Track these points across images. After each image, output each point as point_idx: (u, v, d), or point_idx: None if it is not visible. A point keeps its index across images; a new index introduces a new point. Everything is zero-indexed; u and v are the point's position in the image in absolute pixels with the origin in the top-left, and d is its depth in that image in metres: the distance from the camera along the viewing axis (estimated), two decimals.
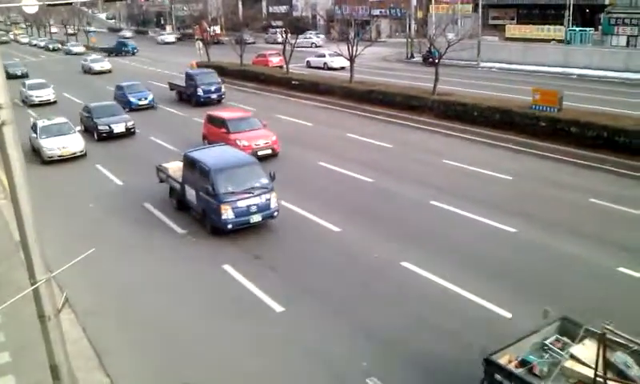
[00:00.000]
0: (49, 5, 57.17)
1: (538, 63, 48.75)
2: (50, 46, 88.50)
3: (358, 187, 21.15)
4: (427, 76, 39.73)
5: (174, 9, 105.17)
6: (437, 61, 32.76)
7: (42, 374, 8.20)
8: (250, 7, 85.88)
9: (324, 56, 53.47)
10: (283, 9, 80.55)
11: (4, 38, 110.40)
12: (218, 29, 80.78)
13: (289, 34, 47.60)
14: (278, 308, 13.24)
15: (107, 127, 30.26)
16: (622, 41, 51.75)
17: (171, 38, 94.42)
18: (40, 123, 27.93)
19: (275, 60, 50.47)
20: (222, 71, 49.43)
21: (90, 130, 30.91)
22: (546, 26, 57.93)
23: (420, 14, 64.52)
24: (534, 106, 27.00)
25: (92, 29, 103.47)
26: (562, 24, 56.12)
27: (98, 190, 22.29)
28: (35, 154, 27.29)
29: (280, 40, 44.98)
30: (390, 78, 43.46)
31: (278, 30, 47.87)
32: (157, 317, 13.26)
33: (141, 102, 37.23)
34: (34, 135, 27.36)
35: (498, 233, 16.70)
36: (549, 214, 17.90)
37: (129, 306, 13.87)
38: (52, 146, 26.36)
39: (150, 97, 37.90)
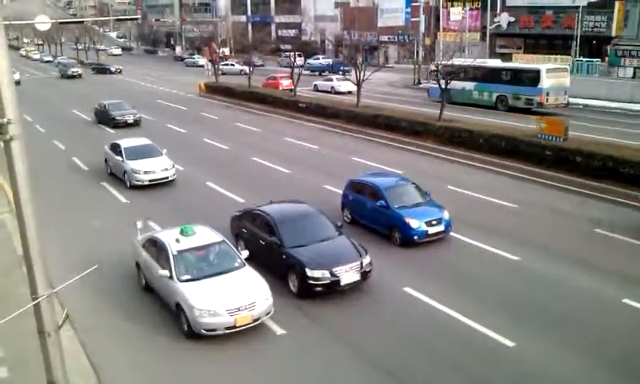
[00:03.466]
0: (61, 23, 57.92)
1: None
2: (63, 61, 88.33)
3: None
4: (433, 102, 39.93)
5: (185, 30, 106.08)
6: (444, 88, 32.88)
7: None
8: (260, 30, 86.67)
9: (331, 80, 53.82)
10: (292, 32, 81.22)
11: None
12: (227, 50, 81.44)
13: (298, 57, 48.02)
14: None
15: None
16: (629, 72, 51.85)
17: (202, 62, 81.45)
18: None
19: (285, 83, 50.78)
20: (231, 93, 49.92)
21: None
22: (553, 56, 58.17)
23: (428, 41, 64.90)
24: (539, 135, 27.03)
25: (102, 47, 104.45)
26: (569, 54, 56.38)
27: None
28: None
29: (297, 63, 45.29)
30: (397, 103, 43.66)
31: (290, 53, 48.16)
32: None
33: None
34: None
35: (502, 260, 16.63)
36: (553, 243, 17.84)
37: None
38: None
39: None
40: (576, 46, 55.80)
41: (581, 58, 54.37)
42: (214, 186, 24.54)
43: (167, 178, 24.49)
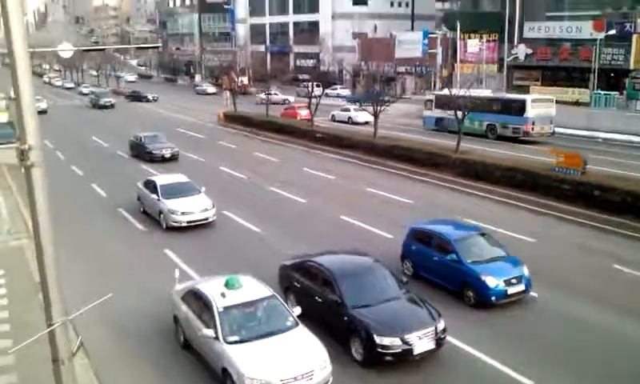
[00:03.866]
0: (84, 50, 59.03)
1: (562, 125, 48.65)
2: (85, 91, 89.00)
3: (379, 243, 21.04)
4: (450, 134, 39.91)
5: (204, 58, 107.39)
6: (461, 119, 32.87)
7: None
8: (278, 60, 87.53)
9: (349, 110, 54.03)
10: (310, 62, 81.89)
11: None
12: (245, 80, 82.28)
13: (317, 88, 48.38)
14: None
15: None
16: None
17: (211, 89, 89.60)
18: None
19: (304, 112, 51.06)
20: (249, 122, 50.28)
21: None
22: (571, 89, 58.11)
23: (445, 73, 65.13)
24: (556, 168, 26.85)
25: (122, 74, 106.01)
26: (586, 87, 56.28)
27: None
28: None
29: (315, 93, 45.67)
30: (414, 134, 43.69)
31: (309, 83, 48.54)
32: None
33: None
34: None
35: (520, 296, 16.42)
36: (571, 279, 17.63)
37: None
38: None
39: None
40: (594, 79, 55.69)
41: (599, 91, 54.23)
42: (230, 214, 24.60)
43: (207, 218, 22.66)
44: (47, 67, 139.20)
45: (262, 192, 28.71)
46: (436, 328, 12.91)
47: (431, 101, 46.35)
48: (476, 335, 14.20)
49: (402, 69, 72.96)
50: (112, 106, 69.67)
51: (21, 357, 11.89)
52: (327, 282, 14.04)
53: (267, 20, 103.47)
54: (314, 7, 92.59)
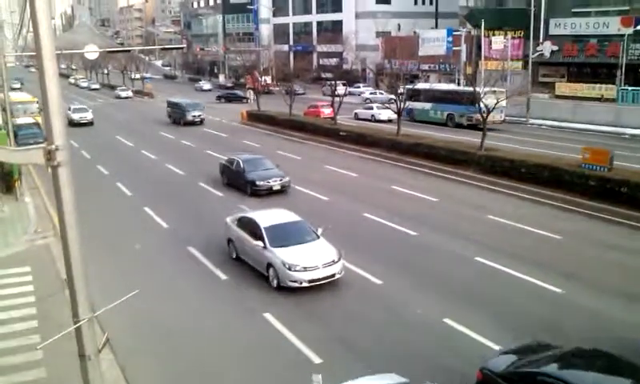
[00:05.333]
0: (109, 52, 59.86)
1: (588, 121, 48.13)
2: (123, 95, 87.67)
3: (402, 240, 21.04)
4: (474, 131, 39.64)
5: (228, 58, 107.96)
6: (485, 117, 32.64)
7: None
8: (301, 59, 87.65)
9: (372, 108, 53.96)
10: (333, 61, 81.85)
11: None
12: (269, 79, 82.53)
13: (342, 86, 48.56)
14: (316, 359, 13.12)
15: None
16: None
17: (207, 85, 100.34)
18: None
19: (327, 111, 51.13)
20: (272, 120, 50.52)
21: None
22: (597, 85, 57.31)
23: (469, 70, 64.60)
24: (583, 165, 26.54)
25: (148, 75, 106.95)
26: (613, 83, 55.45)
27: None
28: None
29: (339, 92, 45.78)
30: (437, 131, 43.49)
31: (334, 82, 48.74)
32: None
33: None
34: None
35: (544, 293, 16.31)
36: (597, 276, 17.45)
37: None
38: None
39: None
40: (621, 75, 54.83)
41: (626, 87, 53.41)
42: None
43: (333, 275, 16.93)
44: (74, 68, 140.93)
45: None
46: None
47: (402, 94, 48.85)
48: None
49: (425, 67, 72.53)
50: (201, 121, 54.74)
51: (49, 352, 12.13)
52: None
53: (291, 20, 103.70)
54: (337, 6, 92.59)
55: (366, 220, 23.39)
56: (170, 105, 58.41)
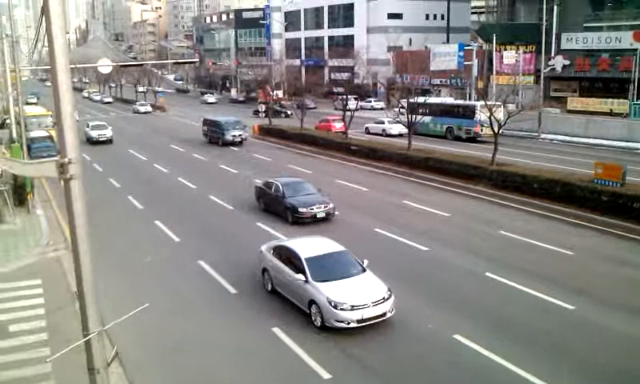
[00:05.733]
0: (122, 66, 60.20)
1: (600, 136, 47.92)
2: (142, 110, 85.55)
3: (413, 255, 20.97)
4: (485, 146, 39.55)
5: (240, 73, 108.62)
6: (497, 131, 32.56)
7: None
8: (313, 73, 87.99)
9: (383, 123, 53.99)
10: (345, 75, 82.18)
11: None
12: (280, 93, 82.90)
13: (354, 100, 48.74)
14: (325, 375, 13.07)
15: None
16: None
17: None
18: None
19: (338, 125, 51.31)
20: (283, 135, 50.65)
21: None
22: (610, 100, 57.09)
23: (480, 84, 64.59)
24: (595, 180, 26.37)
25: (160, 89, 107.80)
26: (626, 98, 55.22)
27: None
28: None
29: (350, 107, 46.03)
30: (448, 146, 43.42)
31: (346, 96, 49.05)
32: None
33: None
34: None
35: (556, 309, 16.16)
36: (609, 292, 17.28)
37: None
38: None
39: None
40: (633, 90, 54.60)
41: (638, 102, 53.16)
42: (262, 225, 24.80)
43: (384, 314, 15.16)
44: (87, 81, 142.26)
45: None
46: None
47: (404, 107, 49.55)
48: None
49: (437, 81, 72.62)
50: (241, 141, 50.26)
51: (58, 365, 12.16)
52: None
53: (302, 34, 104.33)
54: (349, 21, 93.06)
55: (378, 235, 23.34)
56: (207, 123, 52.95)
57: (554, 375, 12.73)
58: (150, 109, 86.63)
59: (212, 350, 14.36)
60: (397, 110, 48.36)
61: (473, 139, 47.97)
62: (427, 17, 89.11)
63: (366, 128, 54.37)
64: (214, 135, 50.64)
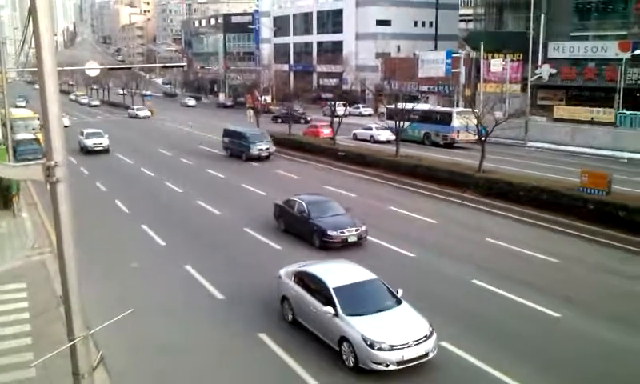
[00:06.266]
0: (110, 69, 60.04)
1: (586, 145, 48.33)
2: (141, 114, 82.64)
3: (399, 262, 20.98)
4: (473, 153, 39.74)
5: (228, 77, 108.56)
6: (483, 138, 32.73)
7: None
8: (301, 79, 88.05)
9: (371, 129, 54.10)
10: (333, 81, 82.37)
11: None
12: (269, 98, 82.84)
13: (343, 107, 48.97)
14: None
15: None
16: None
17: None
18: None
19: (326, 131, 51.35)
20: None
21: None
22: (596, 109, 57.58)
23: (468, 92, 64.93)
24: (581, 188, 26.57)
25: (148, 93, 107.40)
26: (611, 107, 55.73)
27: None
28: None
29: (339, 113, 46.09)
30: (436, 153, 43.60)
31: (334, 103, 49.13)
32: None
33: None
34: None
35: (541, 317, 16.24)
36: (594, 300, 17.40)
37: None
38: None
39: None
40: (619, 99, 55.13)
41: (624, 111, 53.68)
42: (250, 231, 24.73)
43: (427, 354, 13.37)
44: (71, 83, 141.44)
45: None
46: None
47: (384, 113, 52.18)
48: None
49: (424, 88, 72.95)
50: (268, 156, 44.29)
51: (42, 370, 12.04)
52: None
53: (291, 40, 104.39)
54: (338, 27, 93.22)
55: (365, 242, 23.34)
56: (228, 134, 46.83)
57: (538, 382, 12.77)
58: (149, 113, 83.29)
59: (197, 356, 14.28)
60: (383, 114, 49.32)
61: (450, 145, 49.33)
62: (416, 24, 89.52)
63: (354, 134, 54.43)
64: (237, 148, 44.85)
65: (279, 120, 69.62)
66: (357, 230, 22.45)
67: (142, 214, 27.90)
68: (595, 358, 14.01)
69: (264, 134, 46.16)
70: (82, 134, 49.91)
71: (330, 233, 21.92)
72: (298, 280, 15.69)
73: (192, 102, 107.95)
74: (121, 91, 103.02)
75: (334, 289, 14.27)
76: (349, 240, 22.12)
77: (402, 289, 15.02)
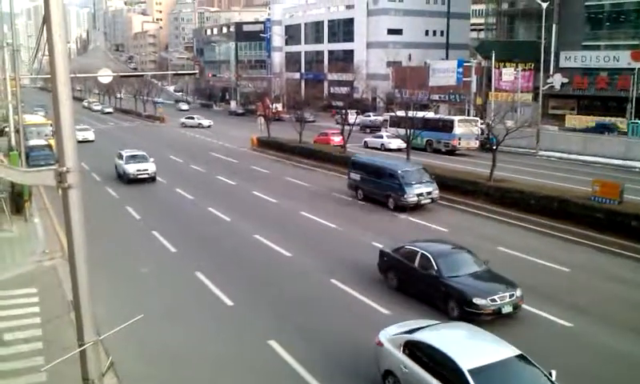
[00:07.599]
0: (122, 76, 60.33)
1: (598, 154, 48.08)
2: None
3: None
4: (484, 162, 39.65)
5: (240, 85, 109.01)
6: (495, 147, 32.64)
7: None
8: (312, 87, 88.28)
9: (381, 137, 54.11)
10: (344, 90, 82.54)
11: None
12: (279, 106, 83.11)
13: (357, 115, 49.38)
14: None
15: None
16: None
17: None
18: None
19: (337, 139, 51.38)
20: (282, 147, 50.70)
21: None
22: (607, 118, 57.34)
23: (479, 101, 64.86)
24: (593, 197, 26.42)
25: (160, 100, 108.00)
26: (623, 116, 55.47)
27: None
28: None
29: (350, 121, 46.18)
30: (446, 161, 43.52)
31: (345, 111, 49.33)
32: None
33: None
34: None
35: (553, 326, 16.14)
36: (606, 310, 17.28)
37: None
38: None
39: None
40: (631, 108, 54.86)
41: (637, 121, 53.40)
42: (260, 237, 24.75)
43: None
44: (79, 89, 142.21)
45: (292, 216, 28.77)
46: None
47: (387, 120, 53.11)
48: None
49: (435, 97, 72.94)
50: (432, 200, 31.57)
51: (52, 375, 12.08)
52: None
53: (303, 48, 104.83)
54: (349, 36, 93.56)
55: (375, 249, 23.28)
56: (359, 167, 32.89)
57: None
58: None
59: (207, 362, 14.30)
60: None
61: (451, 152, 50.04)
62: (427, 33, 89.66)
63: (365, 142, 54.46)
64: (377, 190, 31.25)
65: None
66: (512, 295, 16.36)
67: (154, 220, 28.03)
68: (607, 366, 13.90)
69: (421, 170, 31.27)
70: (120, 157, 39.10)
71: (476, 301, 15.87)
72: (410, 352, 11.85)
73: (185, 106, 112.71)
74: (126, 98, 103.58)
75: (469, 371, 10.38)
76: (503, 311, 16.11)
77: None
